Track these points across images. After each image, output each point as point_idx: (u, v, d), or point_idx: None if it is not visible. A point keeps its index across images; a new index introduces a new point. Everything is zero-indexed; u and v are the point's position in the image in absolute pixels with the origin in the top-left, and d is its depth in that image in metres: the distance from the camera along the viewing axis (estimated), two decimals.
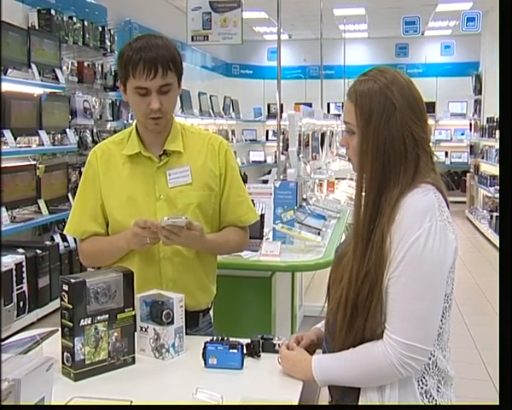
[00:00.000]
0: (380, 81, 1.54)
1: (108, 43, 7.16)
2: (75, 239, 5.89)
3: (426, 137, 1.56)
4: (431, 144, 1.61)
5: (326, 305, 1.70)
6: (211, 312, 2.22)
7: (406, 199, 1.49)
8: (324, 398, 1.72)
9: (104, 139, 2.28)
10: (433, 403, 1.51)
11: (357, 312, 1.51)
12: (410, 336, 1.45)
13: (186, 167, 2.05)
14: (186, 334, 1.94)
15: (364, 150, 1.54)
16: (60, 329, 1.71)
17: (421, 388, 1.51)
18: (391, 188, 1.52)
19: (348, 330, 1.53)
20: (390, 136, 1.52)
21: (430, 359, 1.51)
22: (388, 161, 1.52)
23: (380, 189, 1.53)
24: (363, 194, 1.57)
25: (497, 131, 9.33)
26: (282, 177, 4.59)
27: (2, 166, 4.92)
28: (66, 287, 1.67)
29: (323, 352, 1.69)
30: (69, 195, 6.07)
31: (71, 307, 1.66)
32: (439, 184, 1.55)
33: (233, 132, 13.10)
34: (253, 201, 2.30)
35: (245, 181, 2.24)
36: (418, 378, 1.51)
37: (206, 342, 1.75)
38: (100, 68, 7.08)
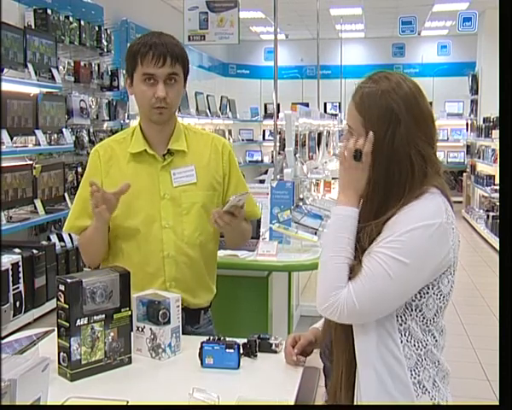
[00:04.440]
0: (385, 90, 1.51)
1: (105, 43, 7.14)
2: (71, 239, 5.90)
3: (434, 152, 1.54)
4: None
5: None
6: (209, 310, 2.23)
7: (413, 202, 1.49)
8: (321, 398, 1.72)
9: (101, 139, 2.28)
10: (427, 395, 1.51)
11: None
12: (363, 301, 1.45)
13: (191, 167, 2.07)
14: (188, 331, 1.95)
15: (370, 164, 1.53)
16: (56, 329, 1.71)
17: (414, 377, 1.50)
18: (391, 203, 1.51)
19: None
20: (396, 154, 1.50)
21: (422, 350, 1.51)
22: (392, 179, 1.51)
23: (380, 204, 1.52)
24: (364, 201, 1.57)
25: (494, 131, 9.34)
26: (278, 177, 4.59)
27: None
28: (62, 287, 1.66)
29: (323, 352, 1.69)
30: (66, 195, 6.05)
31: (67, 307, 1.65)
32: (444, 187, 1.54)
33: (230, 132, 13.10)
34: None
35: None
36: (411, 368, 1.50)
37: (202, 342, 1.75)
38: (96, 68, 7.07)
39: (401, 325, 1.50)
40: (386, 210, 1.51)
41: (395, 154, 1.50)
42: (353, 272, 1.49)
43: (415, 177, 1.51)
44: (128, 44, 2.17)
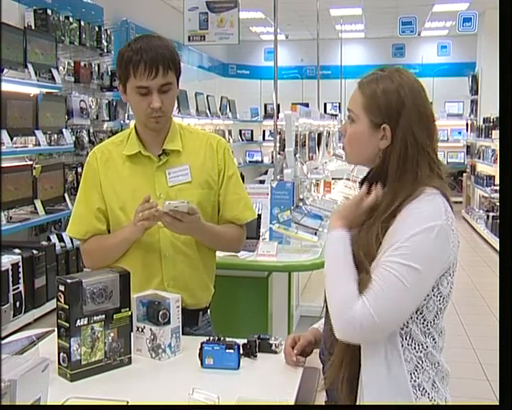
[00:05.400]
0: (397, 81, 1.54)
1: (105, 43, 7.15)
2: (71, 239, 5.90)
3: (430, 144, 1.55)
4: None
5: (324, 308, 1.69)
6: (208, 311, 2.23)
7: (411, 203, 1.49)
8: (321, 398, 1.72)
9: (101, 139, 2.31)
10: (427, 397, 1.50)
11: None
12: (379, 312, 1.41)
13: (185, 166, 2.07)
14: (186, 333, 1.94)
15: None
16: (56, 329, 1.71)
17: (414, 380, 1.50)
18: (389, 196, 1.52)
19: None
20: (395, 139, 1.52)
21: (422, 352, 1.51)
22: (388, 166, 1.53)
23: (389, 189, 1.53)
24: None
25: (494, 132, 9.34)
26: (278, 177, 4.59)
27: None
28: (62, 287, 1.66)
29: (321, 352, 1.69)
30: (66, 195, 6.06)
31: (67, 307, 1.65)
32: (443, 188, 1.54)
33: (230, 132, 13.10)
34: None
35: (242, 181, 2.26)
36: (411, 371, 1.50)
37: (202, 343, 1.75)
38: (96, 68, 7.07)
39: (402, 329, 1.49)
40: (386, 205, 1.51)
41: (393, 138, 1.52)
42: (362, 284, 1.46)
43: (406, 165, 1.52)
44: None
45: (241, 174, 2.26)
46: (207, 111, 11.15)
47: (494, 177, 9.51)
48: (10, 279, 4.79)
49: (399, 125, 1.52)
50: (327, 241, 1.58)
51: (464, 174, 12.02)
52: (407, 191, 1.51)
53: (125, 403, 1.49)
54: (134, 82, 1.95)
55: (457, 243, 1.53)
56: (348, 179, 6.61)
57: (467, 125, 12.71)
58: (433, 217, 1.47)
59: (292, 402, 1.55)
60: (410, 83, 1.56)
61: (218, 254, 2.29)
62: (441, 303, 1.53)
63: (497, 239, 8.05)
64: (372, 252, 1.49)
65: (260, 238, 3.21)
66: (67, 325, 1.66)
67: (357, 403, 1.53)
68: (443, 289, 1.51)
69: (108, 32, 7.29)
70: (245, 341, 1.81)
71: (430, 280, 1.48)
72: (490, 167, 9.83)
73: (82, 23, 6.65)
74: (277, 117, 5.08)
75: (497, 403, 1.63)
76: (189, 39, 5.74)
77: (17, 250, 5.08)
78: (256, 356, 1.80)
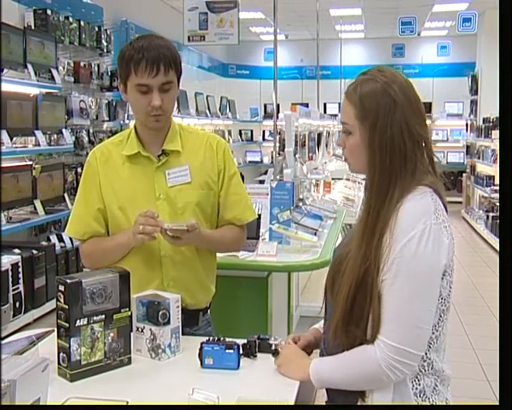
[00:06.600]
0: (381, 80, 1.53)
1: (105, 44, 7.15)
2: (71, 240, 5.90)
3: (425, 136, 1.55)
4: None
5: (323, 308, 1.69)
6: (209, 311, 2.23)
7: (403, 203, 1.48)
8: (321, 398, 1.72)
9: (101, 139, 2.31)
10: (427, 402, 1.51)
11: (354, 322, 1.51)
12: (400, 339, 1.44)
13: (185, 166, 2.07)
14: (186, 333, 1.95)
15: (372, 153, 1.52)
16: (56, 329, 1.70)
17: (416, 388, 1.50)
18: (391, 190, 1.51)
19: (345, 338, 1.53)
20: (392, 135, 1.50)
21: (425, 361, 1.51)
22: (390, 161, 1.51)
23: (382, 190, 1.52)
24: (367, 195, 1.57)
25: (494, 132, 9.34)
26: (278, 177, 4.59)
27: None
28: (62, 287, 1.66)
29: (321, 353, 1.69)
30: (65, 195, 6.06)
31: (67, 307, 1.65)
32: (436, 186, 1.53)
33: (229, 133, 13.09)
34: None
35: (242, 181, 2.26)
36: (412, 379, 1.50)
37: (202, 343, 1.75)
38: (96, 68, 7.07)
39: None
40: (387, 200, 1.50)
41: (391, 135, 1.50)
42: (372, 311, 1.48)
43: (407, 158, 1.51)
44: None
45: (241, 174, 2.25)
46: (207, 111, 11.15)
47: (494, 177, 9.51)
48: (10, 279, 4.79)
49: (395, 120, 1.51)
50: (314, 377, 1.59)
51: (464, 174, 12.02)
52: (406, 182, 1.50)
53: (125, 403, 1.49)
54: (135, 79, 1.95)
55: (452, 240, 1.52)
56: (348, 179, 6.61)
57: (466, 125, 12.71)
58: (422, 218, 1.46)
59: (292, 402, 1.55)
60: (397, 79, 1.54)
61: (218, 254, 2.29)
62: (443, 305, 1.52)
63: (497, 239, 8.05)
64: (378, 261, 1.49)
65: (260, 238, 3.21)
66: (67, 325, 1.65)
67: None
68: (442, 290, 1.51)
69: (108, 32, 7.29)
70: (245, 341, 1.81)
71: (434, 280, 1.47)
72: (490, 167, 9.83)
73: (82, 23, 6.65)
74: (277, 117, 5.08)
75: (497, 403, 1.63)
76: (189, 39, 5.74)
77: (17, 250, 5.08)
78: (256, 356, 1.80)
